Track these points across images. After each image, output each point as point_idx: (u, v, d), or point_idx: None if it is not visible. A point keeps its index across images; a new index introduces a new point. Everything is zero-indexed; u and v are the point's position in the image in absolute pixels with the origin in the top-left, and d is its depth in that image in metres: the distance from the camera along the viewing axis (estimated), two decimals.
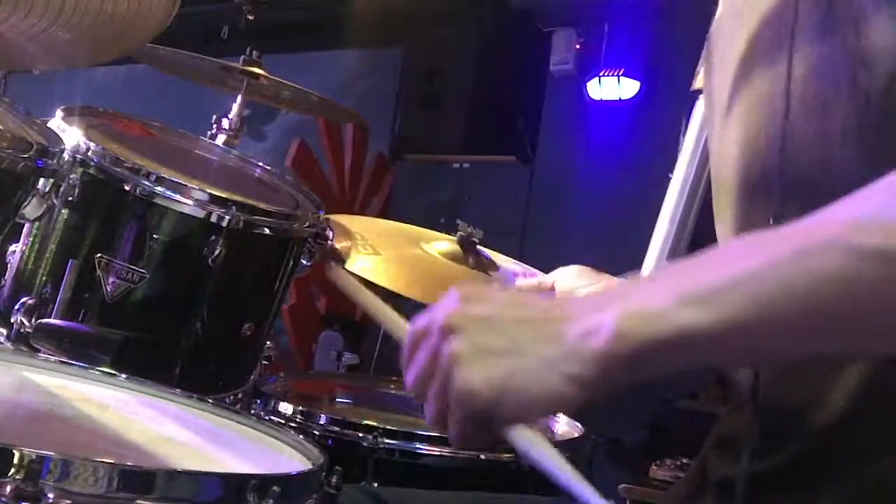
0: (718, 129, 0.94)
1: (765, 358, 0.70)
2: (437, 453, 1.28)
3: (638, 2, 4.31)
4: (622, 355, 0.66)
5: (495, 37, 4.69)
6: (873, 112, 0.72)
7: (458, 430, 0.73)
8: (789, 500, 0.81)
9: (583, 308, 0.70)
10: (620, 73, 4.37)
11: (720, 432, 0.94)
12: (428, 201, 4.93)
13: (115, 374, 1.08)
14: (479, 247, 1.71)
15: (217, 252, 1.32)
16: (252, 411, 1.30)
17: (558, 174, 4.63)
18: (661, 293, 0.65)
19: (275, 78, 1.96)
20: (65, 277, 1.30)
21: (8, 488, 0.65)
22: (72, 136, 1.31)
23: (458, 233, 1.69)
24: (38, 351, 1.25)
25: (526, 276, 1.75)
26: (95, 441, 0.90)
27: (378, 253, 1.62)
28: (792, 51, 0.78)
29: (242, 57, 1.97)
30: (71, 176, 1.27)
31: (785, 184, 0.75)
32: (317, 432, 1.29)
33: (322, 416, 1.31)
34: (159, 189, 1.31)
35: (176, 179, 1.33)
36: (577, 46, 4.60)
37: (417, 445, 1.28)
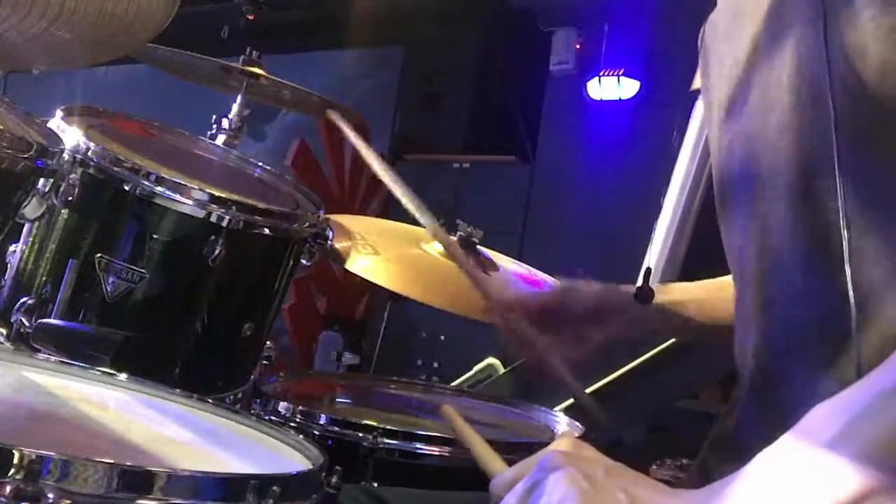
0: (717, 129, 0.94)
1: None
2: (437, 453, 1.28)
3: (638, 2, 4.31)
4: None
5: (495, 37, 4.69)
6: (866, 103, 0.72)
7: None
8: None
9: None
10: (620, 73, 4.37)
11: (720, 432, 0.94)
12: (428, 201, 4.92)
13: (115, 374, 1.08)
14: (479, 247, 1.70)
15: (217, 252, 1.32)
16: (252, 411, 1.30)
17: (558, 174, 4.63)
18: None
19: (275, 78, 1.96)
20: (65, 277, 1.30)
21: (8, 488, 0.65)
22: (72, 136, 1.31)
23: (458, 233, 1.69)
24: (38, 351, 1.25)
25: (527, 279, 1.75)
26: (95, 441, 0.90)
27: (378, 253, 1.62)
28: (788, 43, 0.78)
29: (242, 57, 1.96)
30: (71, 176, 1.27)
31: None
32: (317, 432, 1.28)
33: (322, 416, 1.31)
34: (159, 189, 1.31)
35: (176, 179, 1.32)
36: (577, 46, 4.60)
37: (417, 445, 1.27)
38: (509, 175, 4.77)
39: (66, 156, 1.21)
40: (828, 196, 0.75)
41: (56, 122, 1.33)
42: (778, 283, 0.82)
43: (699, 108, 1.06)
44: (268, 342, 1.51)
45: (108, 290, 1.31)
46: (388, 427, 1.28)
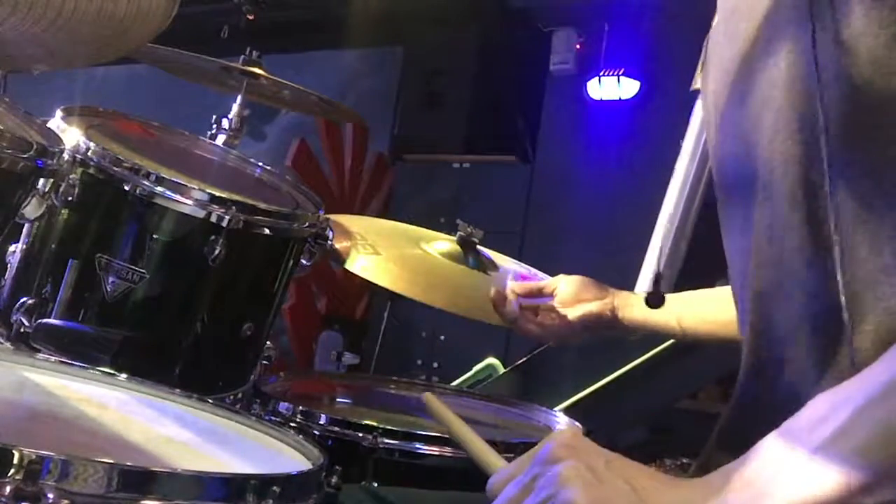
0: (714, 128, 0.94)
1: None
2: (437, 453, 1.28)
3: (638, 2, 4.31)
4: None
5: (495, 37, 4.69)
6: (857, 100, 0.73)
7: None
8: None
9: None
10: (620, 73, 4.38)
11: (724, 429, 0.94)
12: (428, 201, 4.93)
13: (115, 374, 1.08)
14: (479, 247, 1.71)
15: (217, 252, 1.32)
16: (252, 411, 1.30)
17: (558, 174, 4.63)
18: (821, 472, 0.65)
19: (275, 78, 1.96)
20: (65, 277, 1.30)
21: (8, 488, 0.65)
22: (72, 136, 1.31)
23: (458, 233, 1.69)
24: (38, 351, 1.25)
25: (527, 278, 1.75)
26: (95, 441, 0.90)
27: (378, 253, 1.62)
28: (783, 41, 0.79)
29: (242, 57, 1.96)
30: (71, 176, 1.27)
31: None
32: (317, 432, 1.28)
33: (322, 416, 1.31)
34: (159, 189, 1.30)
35: (176, 179, 1.32)
36: (577, 46, 4.61)
37: (417, 445, 1.28)
38: (509, 175, 4.77)
39: (66, 156, 1.21)
40: (819, 193, 0.76)
41: (56, 122, 1.33)
42: (773, 280, 0.83)
43: (699, 107, 1.07)
44: (268, 342, 1.51)
45: (108, 290, 1.31)
46: (388, 427, 1.28)
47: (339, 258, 1.56)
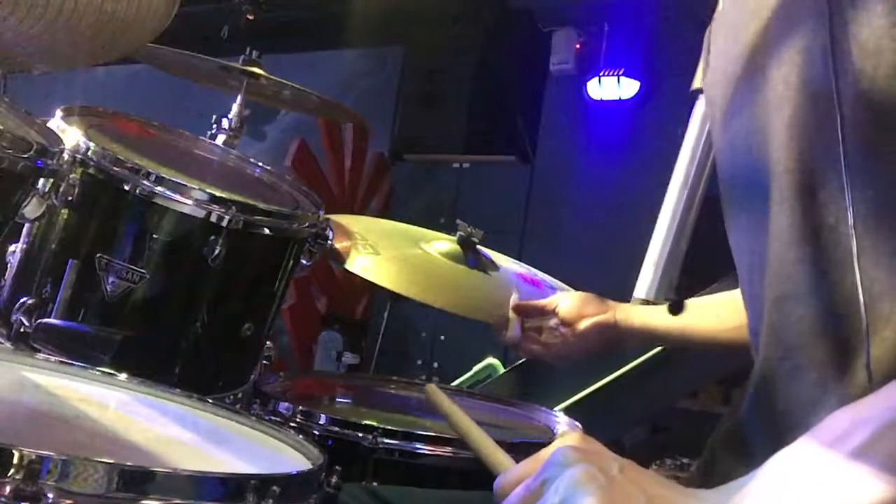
0: (719, 126, 0.93)
1: None
2: (437, 453, 1.28)
3: (638, 2, 4.31)
4: None
5: (495, 37, 4.69)
6: (876, 102, 0.71)
7: None
8: None
9: None
10: (620, 73, 4.38)
11: (725, 430, 0.93)
12: (428, 201, 4.93)
13: (115, 374, 1.08)
14: (479, 247, 1.71)
15: (217, 252, 1.32)
16: (252, 411, 1.30)
17: (558, 174, 4.64)
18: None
19: (275, 78, 1.96)
20: (65, 277, 1.30)
21: (8, 488, 0.65)
22: (72, 136, 1.31)
23: (458, 233, 1.69)
24: (38, 351, 1.25)
25: (527, 279, 1.75)
26: (95, 441, 0.90)
27: (378, 253, 1.62)
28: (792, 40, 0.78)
29: (242, 57, 1.96)
30: (71, 176, 1.27)
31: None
32: (317, 432, 1.28)
33: (322, 416, 1.31)
34: (159, 189, 1.30)
35: (176, 179, 1.32)
36: (577, 46, 4.60)
37: (417, 445, 1.28)
38: (509, 175, 4.77)
39: (66, 156, 1.21)
40: (836, 195, 0.74)
41: (56, 122, 1.33)
42: (785, 283, 0.82)
43: (699, 107, 1.06)
44: (268, 342, 1.51)
45: (108, 289, 1.31)
46: (388, 427, 1.28)
47: (339, 258, 1.56)
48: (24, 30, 1.11)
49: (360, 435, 1.27)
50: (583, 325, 1.51)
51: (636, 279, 1.12)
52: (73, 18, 1.10)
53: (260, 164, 1.65)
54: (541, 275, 1.80)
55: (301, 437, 0.97)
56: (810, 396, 0.79)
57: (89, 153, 1.30)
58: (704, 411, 3.44)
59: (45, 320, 1.29)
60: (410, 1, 4.58)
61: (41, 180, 1.18)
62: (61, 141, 1.22)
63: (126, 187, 1.30)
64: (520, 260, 1.85)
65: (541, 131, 4.75)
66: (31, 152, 1.07)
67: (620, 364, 2.47)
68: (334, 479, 0.88)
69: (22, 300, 1.31)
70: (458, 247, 1.69)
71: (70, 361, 1.08)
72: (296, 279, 1.54)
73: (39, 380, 1.03)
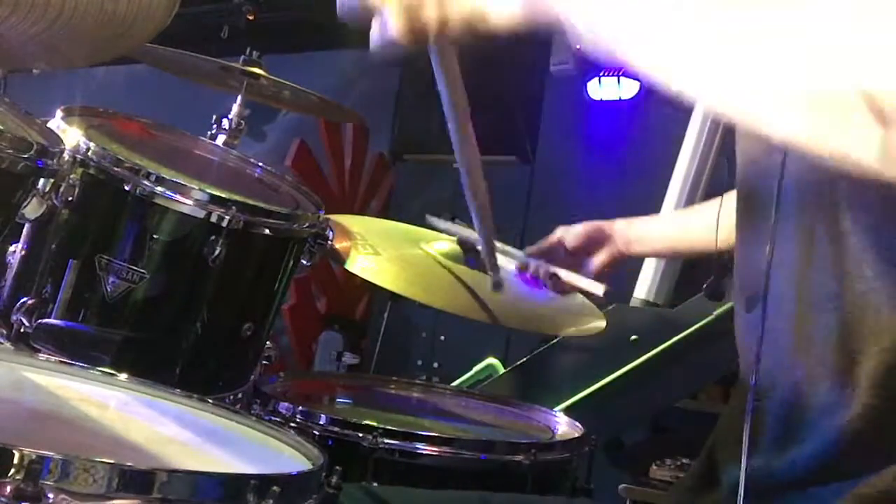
0: (750, 138, 0.93)
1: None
2: (437, 453, 1.28)
3: None
4: None
5: (495, 37, 4.68)
6: None
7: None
8: (803, 497, 0.81)
9: None
10: (620, 73, 4.37)
11: (730, 427, 0.93)
12: (428, 201, 4.93)
13: (115, 374, 1.08)
14: (479, 247, 1.70)
15: (217, 252, 1.32)
16: (252, 411, 1.30)
17: (558, 174, 4.63)
18: None
19: (275, 78, 1.96)
20: (65, 277, 1.30)
21: (8, 488, 0.65)
22: (72, 136, 1.31)
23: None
24: (38, 351, 1.25)
25: (527, 278, 1.75)
26: (95, 441, 0.90)
27: (378, 253, 1.62)
28: None
29: (242, 57, 1.96)
30: (71, 176, 1.27)
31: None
32: (317, 432, 1.29)
33: (322, 416, 1.31)
34: (159, 189, 1.30)
35: (176, 179, 1.32)
36: (578, 46, 4.59)
37: (417, 445, 1.28)
38: (509, 175, 4.77)
39: (66, 156, 1.21)
40: (842, 204, 0.75)
41: (56, 122, 1.33)
42: (805, 292, 0.82)
43: (699, 108, 1.06)
44: (268, 342, 1.51)
45: (108, 290, 1.31)
46: (388, 427, 1.28)
47: (339, 258, 1.56)
48: (24, 29, 1.11)
49: (360, 435, 1.27)
50: (594, 264, 1.53)
51: (636, 279, 1.12)
52: (73, 18, 1.10)
53: (260, 164, 1.65)
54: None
55: (301, 437, 0.97)
56: (809, 399, 0.79)
57: (89, 153, 1.30)
58: (704, 411, 3.44)
59: (46, 320, 1.29)
60: None
61: (41, 180, 1.18)
62: (61, 141, 1.22)
63: (126, 187, 1.30)
64: None
65: (541, 131, 4.75)
66: (32, 152, 1.07)
67: (620, 364, 2.47)
68: (334, 480, 0.88)
69: (22, 300, 1.31)
70: (458, 247, 1.69)
71: (70, 361, 1.08)
72: (296, 279, 1.54)
73: (39, 380, 1.03)
